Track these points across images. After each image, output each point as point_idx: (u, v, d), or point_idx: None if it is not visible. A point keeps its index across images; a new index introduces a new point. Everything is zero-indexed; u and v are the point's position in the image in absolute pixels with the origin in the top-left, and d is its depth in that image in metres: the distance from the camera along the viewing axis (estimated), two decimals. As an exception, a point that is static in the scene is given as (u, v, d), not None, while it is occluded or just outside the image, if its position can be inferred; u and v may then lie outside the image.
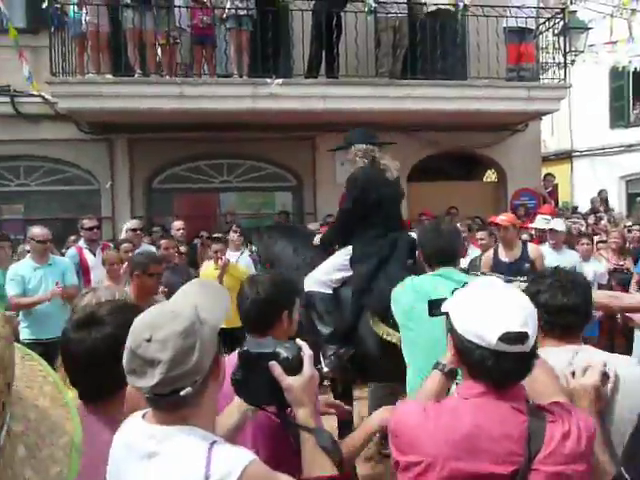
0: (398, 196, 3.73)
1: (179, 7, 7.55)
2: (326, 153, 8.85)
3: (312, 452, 1.33)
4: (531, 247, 5.19)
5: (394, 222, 3.64)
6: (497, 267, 4.80)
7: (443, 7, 8.10)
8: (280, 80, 7.59)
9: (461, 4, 8.23)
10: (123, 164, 8.63)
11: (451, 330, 1.41)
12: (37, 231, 4.70)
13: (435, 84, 7.96)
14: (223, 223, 8.97)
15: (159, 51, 7.60)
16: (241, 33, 7.66)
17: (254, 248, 5.17)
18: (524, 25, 8.22)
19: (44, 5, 7.32)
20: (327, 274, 3.62)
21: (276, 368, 1.34)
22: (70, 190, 8.71)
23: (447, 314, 1.43)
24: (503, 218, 5.26)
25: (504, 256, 5.05)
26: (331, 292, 3.60)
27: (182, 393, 1.16)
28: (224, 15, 7.74)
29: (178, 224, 6.72)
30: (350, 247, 3.59)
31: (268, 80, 7.58)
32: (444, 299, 1.51)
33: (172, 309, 1.22)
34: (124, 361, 1.18)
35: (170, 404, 1.18)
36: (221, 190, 9.15)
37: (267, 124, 8.23)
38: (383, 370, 3.37)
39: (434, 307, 1.67)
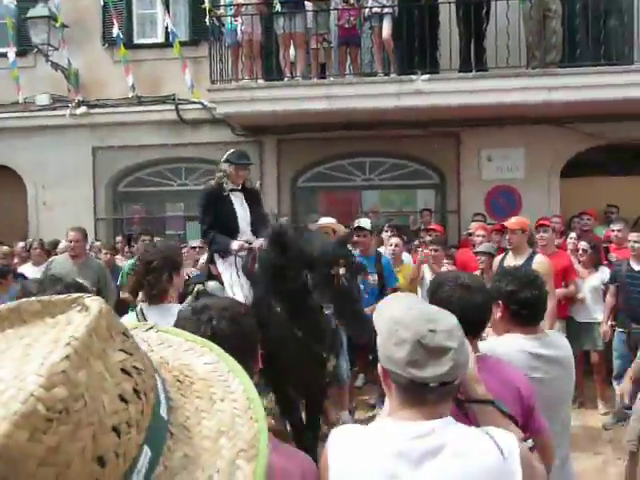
0: None
1: (328, 10, 7.76)
2: (472, 149, 8.62)
3: (499, 421, 1.38)
4: (539, 258, 4.82)
5: None
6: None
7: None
8: (426, 76, 7.49)
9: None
10: (271, 164, 9.07)
11: None
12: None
13: (596, 71, 7.34)
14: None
15: (309, 54, 7.88)
16: (384, 31, 7.67)
17: None
18: None
19: (206, 19, 7.95)
20: None
21: None
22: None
23: None
24: (512, 221, 5.12)
25: (511, 261, 4.79)
26: None
27: (456, 382, 1.22)
28: (366, 14, 7.85)
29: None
30: None
31: (413, 77, 7.52)
32: None
33: (434, 308, 1.36)
34: (401, 354, 1.19)
35: (441, 395, 1.21)
36: (363, 188, 9.25)
37: (410, 121, 8.16)
38: None
39: None
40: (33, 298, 0.58)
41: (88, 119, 9.05)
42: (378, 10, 7.68)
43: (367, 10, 7.81)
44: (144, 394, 0.56)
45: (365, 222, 5.73)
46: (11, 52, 8.76)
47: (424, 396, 1.20)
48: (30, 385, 0.47)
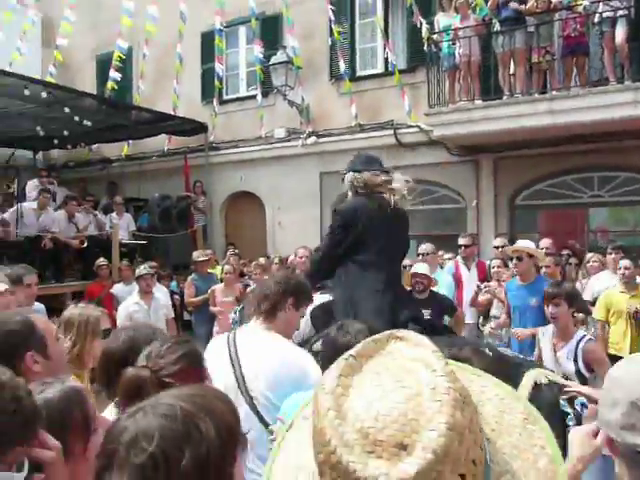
0: (394, 228, 3.35)
1: (552, 21, 7.48)
2: None
3: None
4: None
5: (388, 256, 3.34)
6: None
7: None
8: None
9: None
10: (488, 183, 8.96)
11: None
12: (423, 247, 5.36)
13: None
14: (592, 240, 8.44)
15: (529, 69, 7.67)
16: (617, 36, 7.08)
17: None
18: None
19: (424, 47, 8.30)
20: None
21: None
22: (439, 209, 9.53)
23: None
24: None
25: None
26: None
27: None
28: (596, 19, 7.33)
29: (546, 242, 6.62)
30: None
31: (652, 82, 6.81)
32: None
33: None
34: (614, 415, 1.12)
35: None
36: (591, 205, 8.57)
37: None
38: None
39: None
40: (369, 339, 0.81)
41: (316, 148, 10.05)
42: (610, 14, 7.14)
43: (597, 15, 7.31)
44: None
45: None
46: (259, 94, 10.23)
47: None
48: (443, 383, 0.69)
